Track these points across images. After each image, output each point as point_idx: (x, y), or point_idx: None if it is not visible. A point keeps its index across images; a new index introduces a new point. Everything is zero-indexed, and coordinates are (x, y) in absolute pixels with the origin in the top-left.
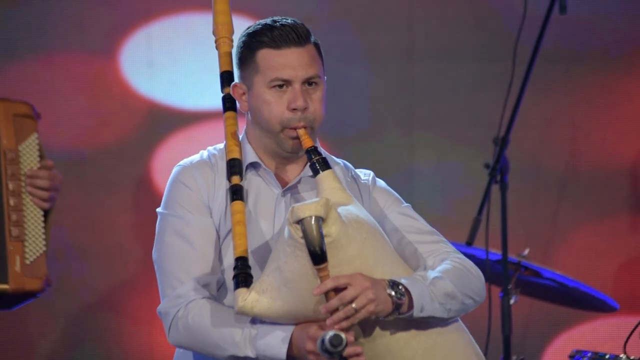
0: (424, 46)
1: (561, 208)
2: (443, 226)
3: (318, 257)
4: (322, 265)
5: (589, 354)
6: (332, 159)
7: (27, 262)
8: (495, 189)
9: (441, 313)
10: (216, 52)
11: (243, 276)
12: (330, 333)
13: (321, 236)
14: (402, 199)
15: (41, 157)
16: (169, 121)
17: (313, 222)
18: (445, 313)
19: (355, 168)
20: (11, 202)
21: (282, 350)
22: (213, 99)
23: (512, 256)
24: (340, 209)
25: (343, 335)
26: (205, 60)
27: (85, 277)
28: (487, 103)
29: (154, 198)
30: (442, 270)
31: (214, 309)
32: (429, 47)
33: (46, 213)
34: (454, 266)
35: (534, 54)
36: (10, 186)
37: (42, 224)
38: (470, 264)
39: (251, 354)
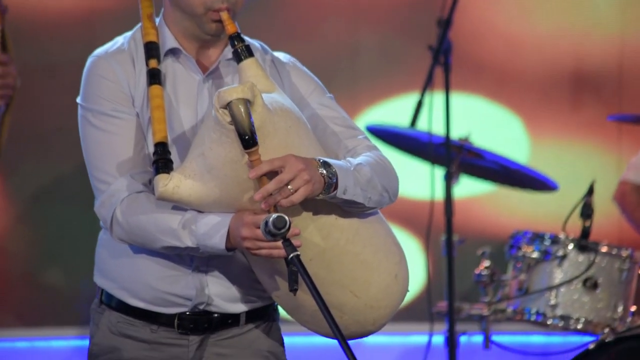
0: None
1: (503, 88)
2: (386, 109)
3: (248, 140)
4: (253, 149)
5: (529, 234)
6: (250, 42)
7: None
8: (439, 70)
9: (362, 199)
10: None
11: (163, 162)
12: (274, 215)
13: (250, 119)
14: (325, 89)
15: (4, 51)
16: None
17: (241, 104)
18: (365, 200)
19: (295, 51)
20: None
21: (222, 241)
22: None
23: (455, 138)
24: (265, 96)
25: (286, 216)
26: None
27: (25, 161)
28: None
29: None
30: (364, 160)
31: (149, 202)
32: None
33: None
34: (376, 160)
35: None
36: None
37: None
38: (389, 162)
39: (191, 243)
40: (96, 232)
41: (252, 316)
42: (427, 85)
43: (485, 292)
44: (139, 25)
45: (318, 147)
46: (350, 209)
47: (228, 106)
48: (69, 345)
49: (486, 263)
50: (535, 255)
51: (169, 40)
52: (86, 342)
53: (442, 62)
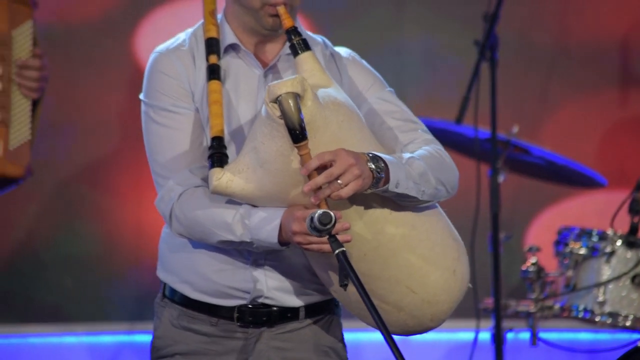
0: None
1: (551, 84)
2: (432, 104)
3: (297, 134)
4: (302, 144)
5: (576, 230)
6: (311, 37)
7: (10, 147)
8: (485, 66)
9: (415, 193)
10: None
11: (218, 156)
12: (320, 211)
13: (299, 112)
14: (385, 83)
15: (35, 45)
16: None
17: (290, 98)
18: (419, 194)
19: (342, 44)
20: None
21: (273, 234)
22: None
23: (501, 134)
24: (318, 91)
25: (332, 213)
26: None
27: (70, 154)
28: None
29: (139, 75)
30: (418, 154)
31: (206, 197)
32: None
33: (35, 103)
34: (431, 153)
35: None
36: None
37: (29, 113)
38: (447, 155)
39: (245, 237)
40: (139, 226)
41: (312, 310)
42: (474, 80)
43: (532, 288)
44: (201, 21)
45: (372, 142)
46: (405, 203)
47: (278, 100)
48: (117, 341)
49: (533, 259)
50: (582, 251)
51: (228, 36)
52: (134, 337)
53: (488, 57)
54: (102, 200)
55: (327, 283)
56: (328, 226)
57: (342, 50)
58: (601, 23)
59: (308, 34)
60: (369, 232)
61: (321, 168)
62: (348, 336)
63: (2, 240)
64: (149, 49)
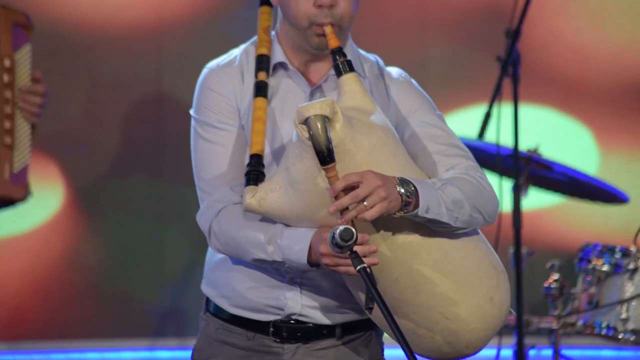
0: None
1: (573, 100)
2: (454, 120)
3: (325, 156)
4: (330, 166)
5: (599, 247)
6: (364, 55)
7: (15, 170)
8: (507, 82)
9: (448, 219)
10: None
11: (255, 174)
12: (341, 227)
13: (327, 135)
14: (434, 106)
15: (32, 68)
16: (180, 14)
17: (318, 121)
18: (452, 220)
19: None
20: (6, 110)
21: (302, 255)
22: None
23: (523, 150)
24: (353, 113)
25: (354, 229)
26: None
27: (93, 170)
28: None
29: (163, 92)
30: (454, 180)
31: (243, 214)
32: None
33: (32, 127)
34: (469, 180)
35: None
36: (7, 94)
37: (29, 137)
38: (488, 183)
39: (277, 257)
40: (163, 243)
41: (349, 328)
42: (496, 96)
43: (555, 305)
44: (254, 37)
45: (407, 167)
46: (438, 229)
47: (306, 122)
48: (138, 357)
49: (555, 276)
50: (605, 268)
51: (277, 54)
52: (155, 354)
53: (510, 73)
54: (124, 216)
55: (360, 302)
56: (349, 242)
57: (394, 71)
58: (623, 37)
59: (361, 52)
60: (400, 256)
61: (348, 189)
62: (389, 353)
63: (22, 257)
64: (174, 66)
